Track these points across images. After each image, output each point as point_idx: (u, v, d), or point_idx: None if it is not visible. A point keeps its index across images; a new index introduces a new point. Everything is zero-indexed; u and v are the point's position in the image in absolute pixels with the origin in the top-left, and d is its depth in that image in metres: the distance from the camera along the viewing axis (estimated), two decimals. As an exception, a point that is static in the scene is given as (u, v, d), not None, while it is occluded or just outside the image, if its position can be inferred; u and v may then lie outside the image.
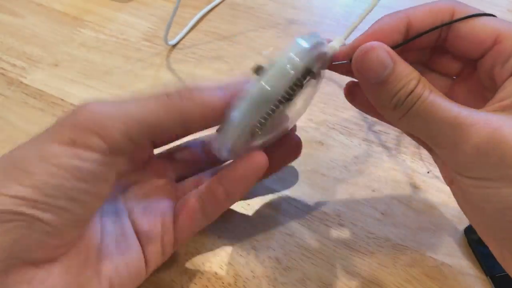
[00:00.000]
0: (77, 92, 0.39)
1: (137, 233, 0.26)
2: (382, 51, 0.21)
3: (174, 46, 0.42)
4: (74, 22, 0.45)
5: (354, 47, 0.23)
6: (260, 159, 0.25)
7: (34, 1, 0.47)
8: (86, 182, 0.21)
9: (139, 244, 0.25)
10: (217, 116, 0.22)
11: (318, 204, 0.32)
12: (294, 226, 0.31)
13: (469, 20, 0.23)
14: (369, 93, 0.23)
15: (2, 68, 0.41)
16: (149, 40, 0.43)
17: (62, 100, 0.39)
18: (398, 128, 0.24)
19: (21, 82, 0.40)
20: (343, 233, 0.31)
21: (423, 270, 0.29)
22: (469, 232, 0.30)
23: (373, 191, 0.33)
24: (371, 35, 0.23)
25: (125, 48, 0.42)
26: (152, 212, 0.26)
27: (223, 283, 0.29)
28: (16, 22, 0.45)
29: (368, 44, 0.21)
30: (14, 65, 0.41)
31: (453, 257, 0.29)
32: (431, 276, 0.29)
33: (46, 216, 0.20)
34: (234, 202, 0.27)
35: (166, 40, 0.41)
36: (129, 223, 0.26)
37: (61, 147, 0.20)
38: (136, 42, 0.43)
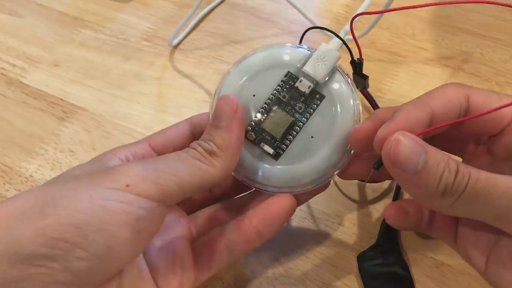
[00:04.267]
0: (77, 92, 0.39)
1: (154, 275, 0.24)
2: (409, 140, 0.21)
3: (174, 46, 0.42)
4: (74, 22, 0.45)
5: (380, 139, 0.22)
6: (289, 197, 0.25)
7: (34, 1, 0.47)
8: (136, 230, 0.20)
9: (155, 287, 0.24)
10: None
11: (318, 204, 0.32)
12: (294, 226, 0.31)
13: (485, 99, 0.23)
14: (411, 187, 0.22)
15: (2, 68, 0.41)
16: (149, 40, 0.43)
17: (62, 100, 0.39)
18: (450, 215, 0.23)
19: (21, 82, 0.40)
20: (343, 233, 0.31)
21: (423, 270, 0.29)
22: (361, 259, 0.29)
23: (373, 191, 0.33)
24: (398, 126, 0.22)
25: (125, 48, 0.42)
26: (169, 252, 0.25)
27: (223, 283, 0.29)
28: (16, 22, 0.45)
29: (393, 137, 0.21)
30: (14, 65, 0.41)
31: (453, 257, 0.29)
32: (431, 276, 0.29)
33: (77, 265, 0.19)
34: (262, 243, 0.25)
35: (171, 41, 0.41)
36: (145, 265, 0.24)
37: (115, 191, 0.20)
38: (136, 42, 0.43)
